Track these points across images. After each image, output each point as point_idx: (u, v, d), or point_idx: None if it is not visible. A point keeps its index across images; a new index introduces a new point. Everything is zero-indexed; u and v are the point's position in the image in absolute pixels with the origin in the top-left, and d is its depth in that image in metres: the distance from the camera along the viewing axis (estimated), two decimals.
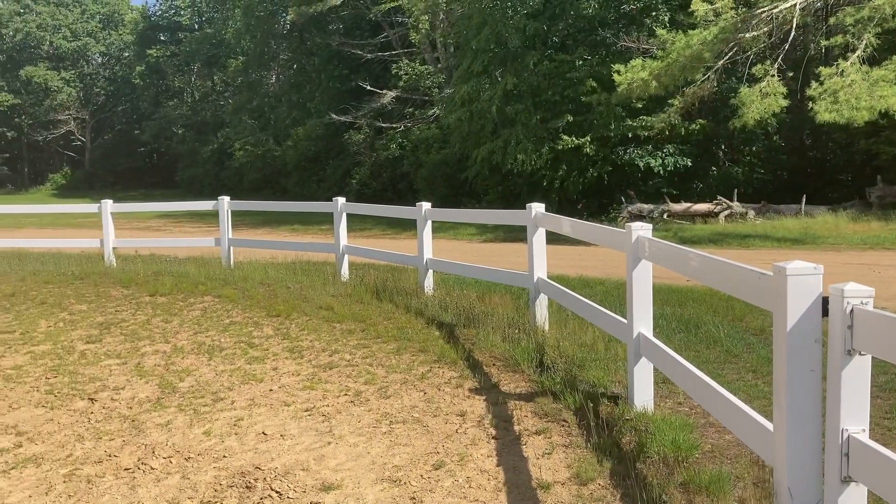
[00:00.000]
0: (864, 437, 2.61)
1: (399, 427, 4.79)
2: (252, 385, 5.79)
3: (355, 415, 5.05)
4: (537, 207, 7.26)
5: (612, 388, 5.26)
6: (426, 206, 9.29)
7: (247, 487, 3.97)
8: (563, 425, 4.69)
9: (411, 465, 4.18)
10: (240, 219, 25.58)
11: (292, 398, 5.44)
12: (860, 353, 2.63)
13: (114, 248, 13.12)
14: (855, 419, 2.64)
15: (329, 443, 4.56)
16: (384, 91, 31.26)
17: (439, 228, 19.32)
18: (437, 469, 4.12)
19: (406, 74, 30.53)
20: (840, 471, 2.64)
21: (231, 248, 12.55)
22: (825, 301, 2.79)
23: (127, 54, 59.39)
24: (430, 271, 9.27)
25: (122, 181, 55.06)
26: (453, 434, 4.65)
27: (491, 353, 6.44)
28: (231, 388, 5.71)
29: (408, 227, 19.15)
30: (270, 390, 5.65)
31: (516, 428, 4.70)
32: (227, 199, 12.59)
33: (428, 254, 9.23)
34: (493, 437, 4.57)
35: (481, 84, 22.94)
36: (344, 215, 10.97)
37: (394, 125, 30.86)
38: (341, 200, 10.97)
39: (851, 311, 2.61)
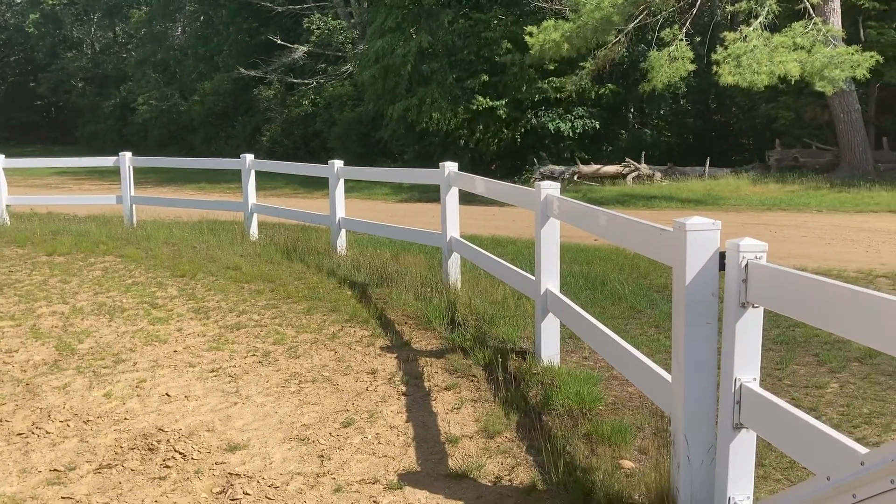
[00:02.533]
0: (755, 386, 2.72)
1: (308, 386, 4.75)
2: (155, 346, 5.61)
3: (263, 375, 4.97)
4: (451, 166, 7.24)
5: (521, 343, 5.35)
6: (338, 164, 9.15)
7: (149, 449, 3.86)
8: (472, 380, 4.75)
9: (320, 424, 4.15)
10: (144, 177, 24.65)
11: (198, 359, 5.31)
12: (753, 306, 2.72)
13: (7, 206, 12.44)
14: (747, 369, 2.75)
15: (235, 403, 4.48)
16: (295, 46, 30.44)
17: (353, 188, 19.11)
18: (346, 427, 4.11)
19: (318, 29, 29.80)
20: (732, 418, 2.75)
21: (133, 206, 12.09)
22: (722, 256, 2.87)
23: (19, 1, 55.77)
24: (343, 231, 9.16)
25: (17, 136, 52.06)
26: (363, 392, 4.64)
27: (403, 311, 6.44)
28: (133, 350, 5.53)
29: (320, 186, 18.83)
30: (175, 351, 5.49)
31: (427, 384, 4.73)
32: (128, 154, 12.08)
33: (340, 213, 9.11)
34: (403, 394, 4.59)
35: (395, 41, 22.61)
36: (252, 173, 10.69)
37: (306, 81, 30.16)
38: (249, 157, 10.68)
39: (746, 265, 2.69)
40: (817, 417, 4.12)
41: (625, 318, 6.34)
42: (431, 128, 22.07)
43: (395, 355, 5.31)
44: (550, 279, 4.90)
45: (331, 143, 28.01)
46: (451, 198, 7.20)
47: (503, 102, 21.44)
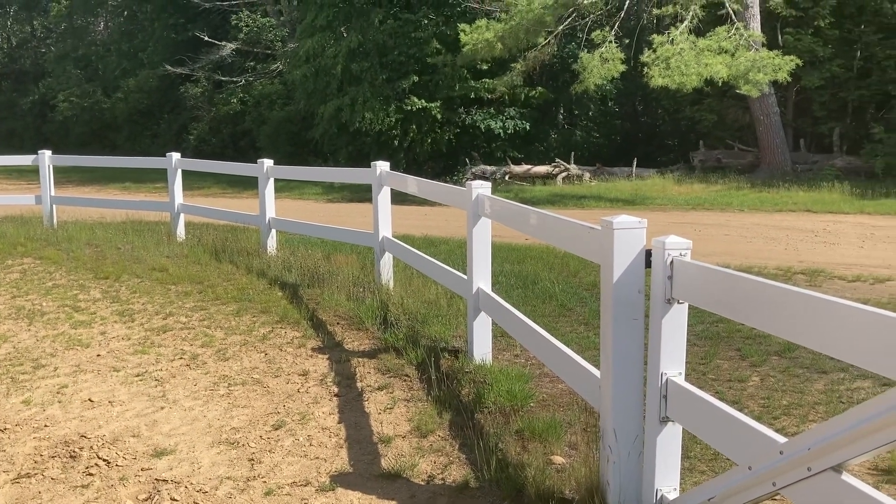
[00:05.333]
0: (681, 380, 2.79)
1: (238, 389, 4.66)
2: (77, 350, 5.43)
3: (191, 378, 4.86)
4: (382, 166, 7.22)
5: (454, 342, 5.37)
6: (268, 163, 9.01)
7: (71, 457, 3.73)
8: (405, 380, 4.74)
9: (250, 427, 4.08)
10: (66, 176, 23.80)
11: (122, 363, 5.16)
12: (679, 302, 2.79)
13: None
14: (673, 363, 2.81)
15: (162, 408, 4.37)
16: (223, 43, 29.85)
17: (284, 188, 18.86)
18: (277, 429, 4.05)
19: (247, 27, 29.29)
20: (659, 411, 2.81)
21: (54, 206, 11.66)
22: (648, 254, 2.93)
23: None
24: (274, 231, 9.03)
25: None
26: (295, 394, 4.58)
27: (335, 311, 6.39)
28: (54, 355, 5.33)
29: (250, 185, 18.51)
30: (98, 355, 5.32)
31: (359, 385, 4.70)
32: (48, 153, 11.64)
33: (271, 213, 8.97)
34: (335, 395, 4.55)
35: (326, 40, 22.41)
36: (179, 172, 10.43)
37: (234, 79, 29.61)
38: (176, 156, 10.42)
39: (671, 262, 2.76)
40: (740, 410, 4.25)
41: (555, 315, 6.42)
42: (364, 127, 21.95)
43: (327, 356, 5.26)
44: (482, 278, 4.93)
45: (260, 142, 27.58)
46: (383, 197, 7.18)
47: (437, 104, 21.49)
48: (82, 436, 3.98)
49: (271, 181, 9.03)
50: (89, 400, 4.50)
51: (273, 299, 6.78)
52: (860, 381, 4.66)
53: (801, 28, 19.01)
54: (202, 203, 13.06)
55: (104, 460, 3.68)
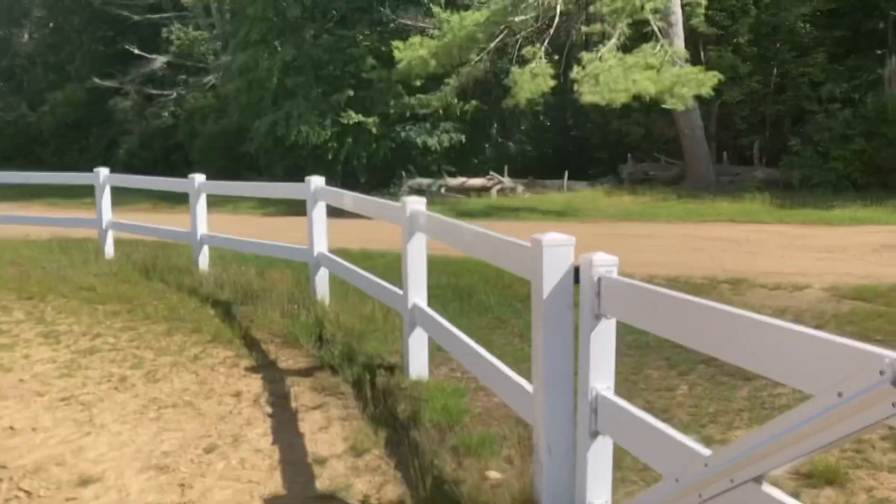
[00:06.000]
0: (610, 394, 2.86)
1: (168, 412, 4.56)
2: None
3: (119, 402, 4.73)
4: (317, 181, 7.19)
5: (390, 358, 5.37)
6: (200, 178, 8.87)
7: None
8: (340, 398, 4.71)
9: (181, 451, 4.00)
10: None
11: (46, 387, 4.99)
12: (606, 317, 2.86)
13: None
14: (602, 378, 2.88)
15: (89, 433, 4.24)
16: (154, 56, 29.26)
17: (217, 203, 18.50)
18: (208, 452, 3.98)
19: (178, 40, 28.76)
20: (589, 425, 2.87)
21: None
22: (577, 270, 3.00)
23: None
24: (206, 247, 8.87)
25: None
26: (227, 415, 4.51)
27: (270, 329, 6.31)
28: None
29: (182, 200, 18.14)
30: (21, 380, 5.14)
31: (293, 404, 4.66)
32: None
33: (202, 229, 8.82)
34: (269, 416, 4.50)
35: (260, 53, 22.19)
36: (108, 188, 10.17)
37: (166, 93, 29.03)
38: (104, 171, 10.17)
39: (599, 278, 2.83)
40: (669, 419, 4.37)
41: (491, 328, 6.49)
42: (300, 141, 21.78)
43: (260, 376, 5.19)
44: (418, 293, 4.95)
45: (193, 157, 27.06)
46: (318, 212, 7.14)
47: (373, 119, 21.50)
48: (2, 466, 3.83)
49: (203, 196, 8.88)
50: (10, 427, 4.34)
51: (205, 318, 6.66)
52: (781, 388, 4.83)
53: (722, 45, 19.69)
54: (133, 219, 12.74)
55: (25, 491, 3.56)
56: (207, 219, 8.95)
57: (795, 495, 3.36)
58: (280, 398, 4.76)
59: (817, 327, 6.40)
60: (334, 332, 5.90)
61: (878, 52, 20.32)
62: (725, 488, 2.11)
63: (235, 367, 5.40)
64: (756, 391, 4.81)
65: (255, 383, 5.06)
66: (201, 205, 8.82)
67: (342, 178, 21.48)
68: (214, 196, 9.44)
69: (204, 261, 8.81)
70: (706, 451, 2.29)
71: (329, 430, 4.24)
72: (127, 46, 29.85)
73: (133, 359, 5.57)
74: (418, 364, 4.96)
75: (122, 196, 14.01)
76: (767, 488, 2.00)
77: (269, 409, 4.59)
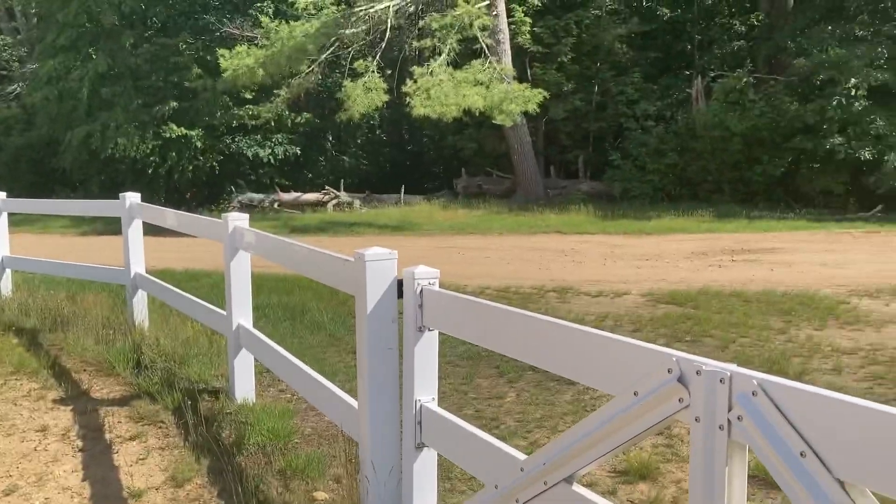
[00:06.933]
0: (434, 406, 2.86)
1: None
2: None
3: None
4: (132, 197, 6.78)
5: (215, 382, 5.13)
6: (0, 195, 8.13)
7: None
8: (160, 427, 4.45)
9: None
10: None
11: None
12: (429, 329, 2.87)
13: None
14: (426, 390, 2.88)
15: None
16: None
17: (25, 221, 17.12)
18: (7, 495, 3.62)
19: None
20: (415, 438, 2.86)
21: None
22: (400, 283, 2.99)
23: None
24: (8, 271, 8.14)
25: None
26: (31, 453, 4.13)
27: (82, 357, 5.87)
28: None
29: None
30: None
31: (107, 436, 4.34)
32: None
33: (4, 251, 8.09)
34: (79, 450, 4.16)
35: (70, 61, 20.80)
36: None
37: None
38: None
39: (421, 291, 2.83)
40: (497, 426, 4.46)
41: (324, 346, 6.37)
42: (118, 154, 20.59)
43: (70, 407, 4.81)
44: (243, 314, 4.77)
45: None
46: (135, 231, 6.74)
47: (198, 131, 20.69)
48: None
49: (4, 215, 8.15)
50: None
51: (7, 347, 6.10)
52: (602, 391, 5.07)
53: (546, 63, 20.64)
54: None
55: None
56: (10, 240, 8.21)
57: (612, 492, 3.52)
58: (93, 431, 4.42)
59: (635, 331, 6.81)
60: (154, 358, 5.56)
61: (687, 72, 22.09)
62: (540, 491, 2.15)
63: (42, 399, 4.97)
64: (579, 395, 5.02)
65: (64, 416, 4.67)
66: (2, 224, 8.09)
67: (166, 193, 20.56)
68: (19, 215, 8.68)
69: (6, 285, 8.08)
70: (522, 456, 2.33)
71: (147, 462, 3.98)
72: None
73: None
74: (244, 387, 4.77)
75: None
76: (577, 488, 2.07)
77: (79, 444, 4.24)
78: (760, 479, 3.59)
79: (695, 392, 1.67)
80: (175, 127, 20.43)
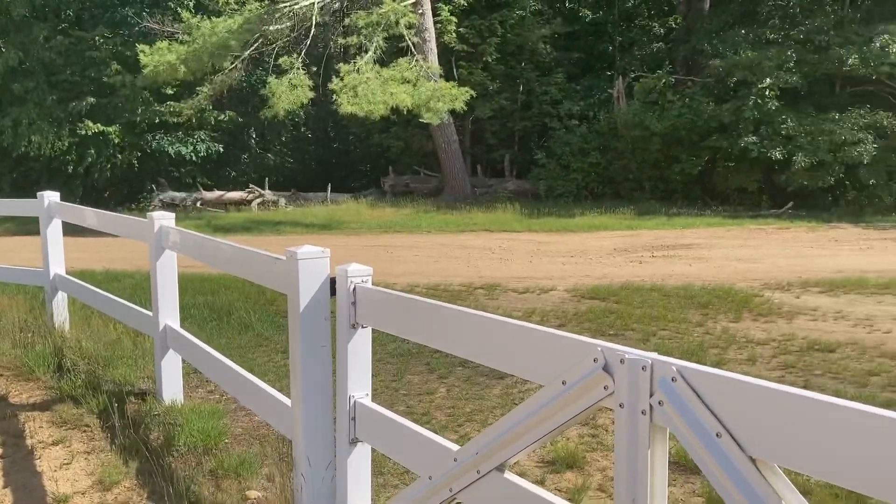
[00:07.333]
0: (368, 401, 2.90)
1: None
2: None
3: None
4: (50, 196, 6.56)
5: (141, 384, 5.04)
6: None
7: None
8: (85, 431, 4.35)
9: None
10: None
11: None
12: (363, 326, 2.90)
13: None
14: (360, 386, 2.91)
15: None
16: None
17: None
18: None
19: None
20: (348, 433, 2.89)
21: None
22: (333, 281, 3.01)
23: None
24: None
25: None
26: None
27: None
28: None
29: None
30: None
31: (29, 442, 4.22)
32: None
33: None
34: None
35: None
36: None
37: None
38: None
39: (354, 289, 2.86)
40: (428, 421, 4.53)
41: (252, 346, 6.32)
42: (32, 152, 19.82)
43: None
44: (169, 314, 4.69)
45: None
46: (53, 231, 6.53)
47: (116, 127, 20.08)
48: None
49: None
50: None
51: None
52: (531, 384, 5.19)
53: (472, 63, 20.84)
54: None
55: None
56: None
57: (541, 482, 3.63)
58: (12, 437, 4.29)
59: (560, 326, 6.98)
60: (76, 361, 5.42)
61: (609, 73, 22.65)
62: (473, 480, 2.22)
63: None
64: (508, 388, 5.13)
65: None
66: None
67: (82, 192, 19.91)
68: None
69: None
70: (455, 447, 2.40)
71: (72, 466, 3.89)
72: None
73: None
74: (172, 388, 4.70)
75: None
76: (509, 475, 2.14)
77: None
78: (682, 466, 3.76)
79: (619, 379, 1.76)
80: (92, 124, 19.79)
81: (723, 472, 1.57)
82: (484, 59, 20.92)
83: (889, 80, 17.54)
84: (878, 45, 17.12)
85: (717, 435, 1.58)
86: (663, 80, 19.11)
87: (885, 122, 17.04)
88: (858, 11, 19.36)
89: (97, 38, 20.31)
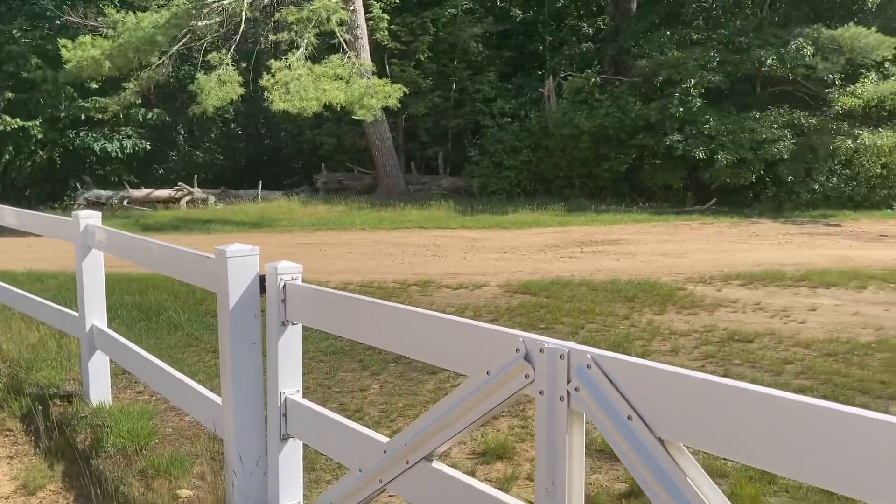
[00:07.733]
0: (299, 398, 2.93)
1: None
2: None
3: None
4: None
5: (67, 386, 4.94)
6: None
7: None
8: (7, 436, 4.25)
9: None
10: None
11: None
12: (293, 323, 2.93)
13: None
14: (290, 382, 2.94)
15: None
16: None
17: None
18: None
19: None
20: (280, 430, 2.91)
21: None
22: (262, 279, 3.03)
23: None
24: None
25: None
26: None
27: None
28: None
29: None
30: None
31: None
32: None
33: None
34: None
35: None
36: None
37: None
38: None
39: (284, 286, 2.89)
40: (361, 417, 4.57)
41: (182, 346, 6.24)
42: None
43: None
44: (97, 315, 4.62)
45: None
46: None
47: (37, 122, 19.43)
48: None
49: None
50: None
51: None
52: (462, 377, 5.28)
53: (405, 60, 20.87)
54: None
55: None
56: None
57: (472, 472, 3.72)
58: None
59: (493, 320, 7.10)
60: None
61: (540, 72, 22.96)
62: (402, 470, 2.29)
63: None
64: (441, 383, 5.20)
65: None
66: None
67: (2, 190, 19.22)
68: None
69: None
70: (384, 439, 2.46)
71: None
72: None
73: None
74: (100, 389, 4.63)
75: None
76: (437, 464, 2.21)
77: None
78: (606, 454, 3.90)
79: (539, 368, 1.85)
80: (10, 119, 19.11)
81: (634, 453, 1.67)
82: (416, 56, 20.97)
83: (805, 81, 18.30)
84: (794, 47, 17.83)
85: (629, 418, 1.68)
86: (592, 80, 19.49)
87: (802, 121, 17.78)
88: (776, 15, 20.13)
89: (15, 31, 19.60)
